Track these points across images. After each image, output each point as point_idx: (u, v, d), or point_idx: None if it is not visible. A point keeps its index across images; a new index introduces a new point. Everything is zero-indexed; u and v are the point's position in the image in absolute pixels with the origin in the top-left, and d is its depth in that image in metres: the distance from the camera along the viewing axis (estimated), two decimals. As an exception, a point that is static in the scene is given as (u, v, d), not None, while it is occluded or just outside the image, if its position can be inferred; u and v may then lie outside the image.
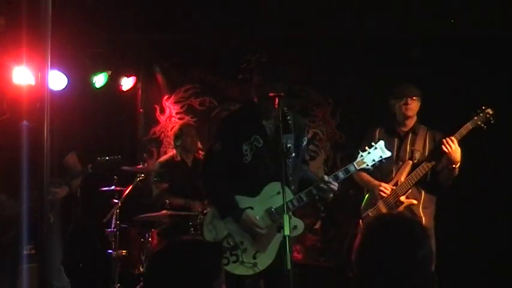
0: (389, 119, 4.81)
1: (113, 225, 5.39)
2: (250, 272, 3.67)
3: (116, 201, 5.41)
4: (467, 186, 5.12)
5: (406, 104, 4.66)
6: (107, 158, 4.57)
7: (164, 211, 5.33)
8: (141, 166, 5.66)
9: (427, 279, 1.86)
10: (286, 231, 3.33)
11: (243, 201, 3.71)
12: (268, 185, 3.74)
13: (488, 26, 5.83)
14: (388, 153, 3.91)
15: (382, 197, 4.61)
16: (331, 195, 3.77)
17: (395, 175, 4.65)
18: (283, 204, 3.42)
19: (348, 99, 6.56)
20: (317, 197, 3.77)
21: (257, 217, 3.70)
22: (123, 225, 5.49)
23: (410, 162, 4.63)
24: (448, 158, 4.47)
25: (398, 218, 2.07)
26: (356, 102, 6.43)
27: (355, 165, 3.83)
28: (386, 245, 1.88)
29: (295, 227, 3.74)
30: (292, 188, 3.77)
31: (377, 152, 3.87)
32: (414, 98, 4.67)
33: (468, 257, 5.71)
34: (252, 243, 3.70)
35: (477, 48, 5.94)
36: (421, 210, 4.60)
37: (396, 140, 4.73)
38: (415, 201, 4.58)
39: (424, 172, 4.55)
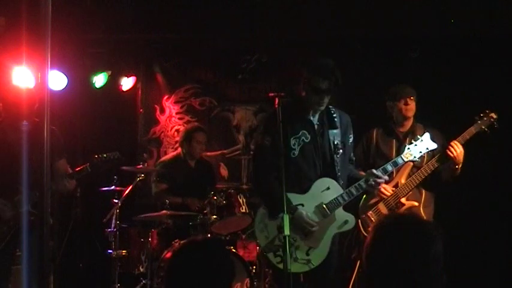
0: (386, 120, 4.80)
1: (112, 225, 5.38)
2: (305, 269, 3.68)
3: (116, 201, 5.41)
4: (467, 185, 5.11)
5: (406, 104, 4.65)
6: (105, 155, 4.53)
7: (164, 211, 5.32)
8: (141, 166, 5.66)
9: (437, 278, 1.87)
10: (286, 231, 3.36)
11: (293, 198, 3.70)
12: (318, 181, 3.80)
13: (488, 26, 5.82)
14: (434, 145, 4.07)
15: (382, 198, 4.60)
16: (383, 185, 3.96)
17: (395, 176, 4.63)
18: (284, 203, 3.45)
19: (348, 99, 6.55)
20: (366, 190, 3.89)
21: (308, 214, 3.73)
22: (123, 225, 5.49)
23: (411, 164, 4.61)
24: (452, 161, 4.47)
25: (410, 217, 2.08)
26: (356, 102, 6.42)
27: (403, 157, 3.99)
28: (398, 242, 1.89)
29: (346, 222, 3.85)
30: (341, 183, 3.85)
31: (423, 144, 4.03)
32: (412, 97, 4.67)
33: (468, 257, 5.70)
34: (304, 240, 3.72)
35: (477, 48, 5.94)
36: (422, 210, 4.59)
37: (395, 141, 4.72)
38: (416, 203, 4.57)
39: (426, 174, 4.53)
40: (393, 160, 4.01)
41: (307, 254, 3.72)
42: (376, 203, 4.65)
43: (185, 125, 6.75)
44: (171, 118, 6.90)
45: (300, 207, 3.73)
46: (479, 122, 4.50)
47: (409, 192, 4.57)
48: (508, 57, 5.84)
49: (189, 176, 5.92)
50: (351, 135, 4.02)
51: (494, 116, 4.51)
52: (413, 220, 2.01)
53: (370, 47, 6.28)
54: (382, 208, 4.62)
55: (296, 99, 3.93)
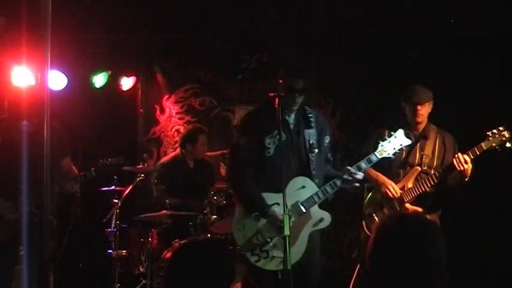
0: (399, 119, 4.73)
1: (112, 225, 5.38)
2: (282, 267, 3.67)
3: (116, 201, 5.41)
4: (470, 188, 5.11)
5: (416, 110, 4.55)
6: (110, 159, 4.56)
7: (164, 211, 5.33)
8: (141, 166, 5.66)
9: (439, 278, 1.86)
10: (286, 231, 3.39)
11: (269, 197, 3.76)
12: (293, 180, 3.82)
13: (488, 26, 5.83)
14: (408, 141, 4.03)
15: (388, 196, 4.56)
16: (357, 184, 3.91)
17: (402, 179, 4.58)
18: (284, 203, 3.47)
19: (348, 99, 6.56)
20: (341, 188, 3.89)
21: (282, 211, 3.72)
22: (123, 225, 5.50)
23: (419, 168, 4.54)
24: (460, 174, 4.40)
25: (413, 216, 2.07)
26: (356, 102, 6.43)
27: (377, 154, 3.96)
28: (400, 242, 1.88)
29: (321, 219, 3.87)
30: (317, 181, 3.87)
31: (397, 141, 4.00)
32: (425, 103, 4.56)
33: (471, 259, 5.70)
34: (280, 238, 3.71)
35: (477, 48, 5.94)
36: (427, 212, 4.56)
37: None
38: (420, 209, 4.53)
39: (433, 183, 4.48)
40: (367, 157, 3.95)
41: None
42: (381, 202, 4.62)
43: (185, 125, 6.75)
44: (171, 118, 6.90)
45: (275, 206, 3.76)
46: (490, 139, 4.37)
47: (414, 197, 4.52)
48: (508, 57, 5.84)
49: (189, 176, 5.93)
50: (327, 136, 4.04)
51: (507, 135, 4.36)
52: (416, 220, 2.00)
53: (370, 47, 6.28)
54: (387, 210, 4.59)
55: (272, 99, 3.95)
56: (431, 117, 4.78)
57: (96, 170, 4.43)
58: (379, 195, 4.66)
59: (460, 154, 4.39)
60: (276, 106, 3.68)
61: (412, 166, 4.59)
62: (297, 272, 3.75)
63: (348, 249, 6.38)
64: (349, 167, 3.88)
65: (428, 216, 4.43)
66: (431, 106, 4.62)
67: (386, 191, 4.53)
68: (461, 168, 4.34)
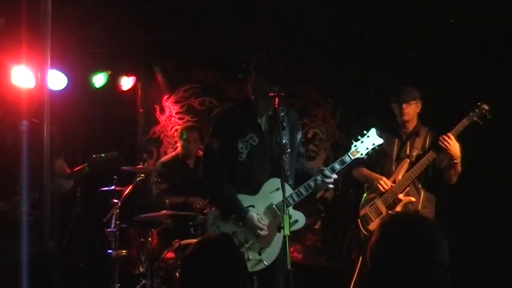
0: (391, 120, 4.82)
1: (112, 225, 5.38)
2: (257, 268, 3.75)
3: (116, 201, 5.41)
4: (467, 187, 5.11)
5: (401, 109, 4.67)
6: (103, 155, 4.54)
7: (164, 211, 5.33)
8: (141, 166, 5.66)
9: (441, 280, 1.85)
10: (286, 231, 3.40)
11: (244, 199, 3.79)
12: (267, 182, 3.83)
13: (488, 26, 5.82)
14: (380, 140, 4.02)
15: (380, 191, 4.61)
16: (331, 186, 3.88)
17: (393, 173, 4.67)
18: (283, 204, 3.48)
19: (348, 99, 6.55)
20: (315, 189, 3.88)
21: (259, 214, 3.78)
22: (123, 225, 5.49)
23: (408, 160, 4.65)
24: (449, 155, 4.48)
25: (417, 217, 2.06)
26: (356, 102, 6.43)
27: (350, 155, 3.96)
28: (403, 244, 1.87)
29: (296, 221, 3.85)
30: (291, 182, 3.87)
31: (370, 140, 3.99)
32: (411, 102, 4.67)
33: (470, 259, 5.69)
34: (256, 241, 3.78)
35: (477, 48, 5.93)
36: (420, 209, 4.61)
37: (397, 141, 4.75)
38: (413, 199, 4.60)
39: (423, 167, 4.56)
40: (341, 158, 3.97)
41: (259, 254, 3.78)
42: (375, 198, 4.67)
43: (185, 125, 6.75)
44: (171, 118, 6.90)
45: (250, 208, 3.78)
46: (471, 114, 4.54)
47: (406, 188, 4.58)
48: (508, 57, 5.83)
49: (188, 176, 5.92)
50: (299, 132, 4.05)
51: (486, 107, 4.55)
52: (419, 221, 1.98)
53: (370, 47, 6.28)
54: (380, 205, 4.65)
55: (243, 102, 4.01)
56: (431, 116, 4.81)
57: (89, 165, 4.41)
58: (374, 194, 4.71)
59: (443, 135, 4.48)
60: (276, 106, 3.67)
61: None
62: (267, 271, 3.78)
63: (347, 249, 6.37)
64: (323, 168, 3.88)
65: (420, 211, 4.55)
66: (419, 106, 4.71)
67: (378, 186, 4.60)
68: (445, 144, 4.41)
